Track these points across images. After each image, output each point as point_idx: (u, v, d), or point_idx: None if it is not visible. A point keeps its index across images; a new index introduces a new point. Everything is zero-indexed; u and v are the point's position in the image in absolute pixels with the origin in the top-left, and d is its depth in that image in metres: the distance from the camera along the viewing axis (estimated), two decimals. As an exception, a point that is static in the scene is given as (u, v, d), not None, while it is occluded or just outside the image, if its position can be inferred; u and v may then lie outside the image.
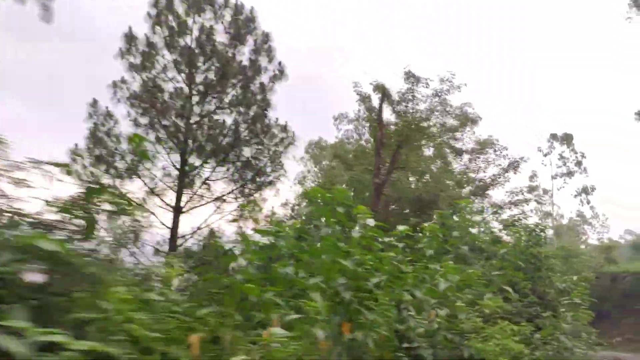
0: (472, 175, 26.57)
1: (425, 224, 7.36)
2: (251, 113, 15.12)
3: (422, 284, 6.22)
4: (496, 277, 7.24)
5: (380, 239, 6.34)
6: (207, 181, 15.06)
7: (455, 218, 10.05)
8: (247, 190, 16.10)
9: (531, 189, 47.56)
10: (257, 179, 15.75)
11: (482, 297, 7.65)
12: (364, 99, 23.31)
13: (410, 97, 24.25)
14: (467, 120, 28.14)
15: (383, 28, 73.33)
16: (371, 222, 6.05)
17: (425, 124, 19.53)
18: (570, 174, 48.55)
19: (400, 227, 6.19)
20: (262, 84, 15.16)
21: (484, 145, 28.10)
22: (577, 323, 12.61)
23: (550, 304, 11.90)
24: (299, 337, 3.87)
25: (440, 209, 10.61)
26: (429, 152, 26.37)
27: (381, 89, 8.89)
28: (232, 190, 15.47)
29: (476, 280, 7.27)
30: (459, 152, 26.42)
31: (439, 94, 23.99)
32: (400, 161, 12.52)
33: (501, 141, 27.61)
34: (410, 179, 11.85)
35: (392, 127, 16.17)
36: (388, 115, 23.86)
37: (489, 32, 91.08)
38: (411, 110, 23.14)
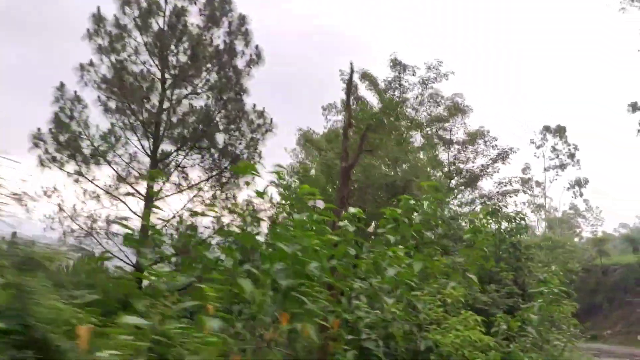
0: (461, 165, 26.17)
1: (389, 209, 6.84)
2: (227, 98, 14.55)
3: (383, 272, 5.72)
4: (461, 265, 6.74)
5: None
6: (180, 168, 14.52)
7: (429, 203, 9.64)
8: (224, 179, 15.57)
9: (524, 182, 47.36)
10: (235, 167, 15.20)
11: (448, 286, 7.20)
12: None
13: (397, 85, 23.80)
14: (457, 110, 27.71)
15: (371, 18, 72.60)
16: (320, 203, 5.58)
17: (403, 109, 19.03)
18: (562, 166, 48.21)
19: (352, 210, 5.69)
20: (235, 67, 14.58)
21: (474, 136, 27.67)
22: (559, 314, 12.22)
23: (532, 294, 11.47)
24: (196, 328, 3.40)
25: (415, 195, 10.13)
26: (416, 141, 25.93)
27: (350, 66, 8.37)
28: (208, 178, 14.93)
29: (442, 269, 6.81)
30: (448, 142, 26.01)
31: (426, 82, 23.53)
32: (370, 144, 12.03)
33: (492, 133, 27.17)
34: (385, 164, 11.30)
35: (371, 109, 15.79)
36: (375, 103, 23.46)
37: (480, 24, 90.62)
38: (397, 97, 22.67)
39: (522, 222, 11.70)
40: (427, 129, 25.68)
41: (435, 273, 6.74)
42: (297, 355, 5.11)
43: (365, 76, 23.29)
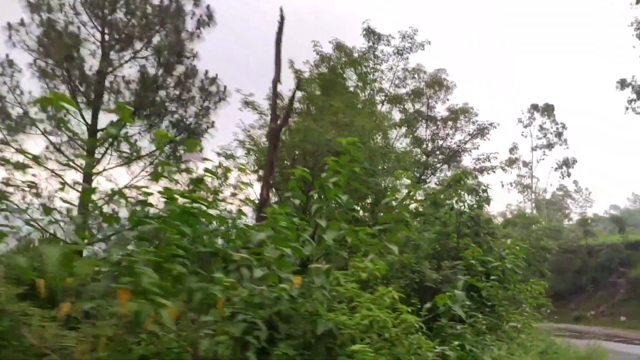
0: (440, 142, 25.16)
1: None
2: (172, 62, 13.39)
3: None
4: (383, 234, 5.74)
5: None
6: (125, 138, 13.35)
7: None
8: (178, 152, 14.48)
9: (511, 162, 46.55)
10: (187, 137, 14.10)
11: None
12: (324, 59, 21.61)
13: (371, 55, 22.59)
14: (440, 86, 26.59)
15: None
16: (197, 157, 4.58)
17: (359, 70, 17.95)
18: (550, 145, 47.23)
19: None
20: (182, 29, 13.38)
21: (456, 113, 26.58)
22: (527, 294, 11.33)
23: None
24: None
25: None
26: (394, 116, 24.84)
27: (280, 13, 7.28)
28: (154, 151, 13.82)
29: (366, 240, 5.81)
30: (426, 118, 24.93)
31: (401, 52, 22.36)
32: (317, 106, 10.97)
33: (478, 110, 25.99)
34: (333, 128, 10.20)
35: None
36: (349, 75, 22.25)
37: (474, 14, 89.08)
38: (371, 67, 21.59)
39: (485, 194, 10.72)
40: (405, 103, 24.56)
41: (355, 243, 5.77)
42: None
43: (340, 47, 22.07)
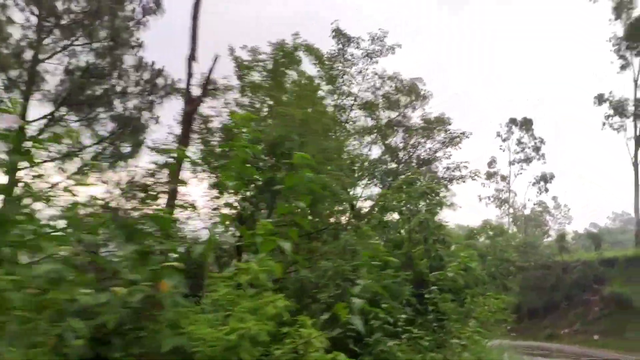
0: (412, 150, 24.47)
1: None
2: (113, 51, 12.43)
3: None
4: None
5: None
6: (47, 133, 12.27)
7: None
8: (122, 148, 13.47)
9: (489, 175, 45.90)
10: (128, 133, 13.13)
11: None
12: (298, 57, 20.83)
13: (340, 58, 21.86)
14: (417, 96, 26.02)
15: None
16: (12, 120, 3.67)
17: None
18: (528, 160, 46.95)
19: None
20: (115, 13, 12.46)
21: (431, 123, 25.97)
22: (484, 308, 10.53)
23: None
24: None
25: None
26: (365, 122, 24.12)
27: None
28: (93, 145, 12.80)
29: (269, 239, 4.88)
30: (396, 125, 24.26)
31: (371, 55, 21.67)
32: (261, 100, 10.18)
33: (452, 119, 25.33)
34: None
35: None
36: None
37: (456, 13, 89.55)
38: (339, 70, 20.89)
39: (437, 197, 9.88)
40: (377, 110, 23.84)
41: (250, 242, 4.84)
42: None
43: (310, 50, 21.32)
